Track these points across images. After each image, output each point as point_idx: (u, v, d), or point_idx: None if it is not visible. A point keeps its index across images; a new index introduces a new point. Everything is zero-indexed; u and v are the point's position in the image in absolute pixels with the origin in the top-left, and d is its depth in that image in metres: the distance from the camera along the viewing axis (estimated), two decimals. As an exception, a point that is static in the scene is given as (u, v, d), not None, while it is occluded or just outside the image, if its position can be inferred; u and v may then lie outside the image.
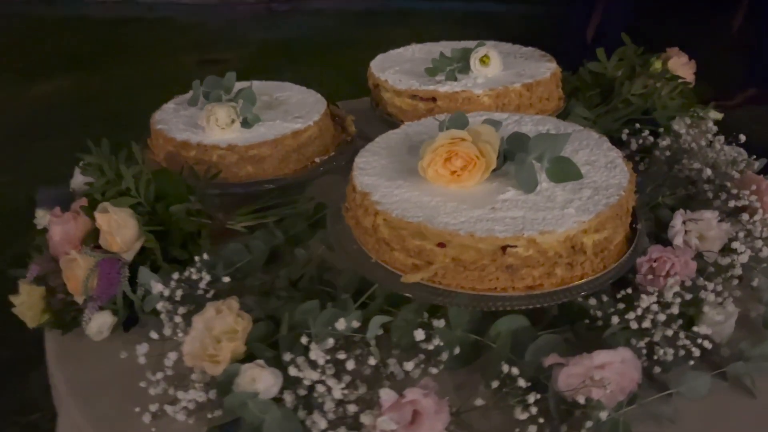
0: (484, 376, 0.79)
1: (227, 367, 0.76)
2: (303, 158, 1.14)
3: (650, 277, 0.86)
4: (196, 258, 0.89)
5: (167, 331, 0.82)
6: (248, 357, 0.80)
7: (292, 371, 0.73)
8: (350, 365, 0.72)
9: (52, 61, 4.25)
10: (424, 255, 0.79)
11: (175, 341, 0.82)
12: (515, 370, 0.72)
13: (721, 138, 1.13)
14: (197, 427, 0.77)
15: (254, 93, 1.14)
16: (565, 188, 0.83)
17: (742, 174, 1.04)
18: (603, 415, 0.70)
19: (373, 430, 0.69)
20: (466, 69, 1.22)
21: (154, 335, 0.81)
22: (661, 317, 0.79)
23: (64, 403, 0.85)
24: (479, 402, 0.73)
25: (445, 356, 0.79)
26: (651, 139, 1.18)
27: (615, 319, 0.80)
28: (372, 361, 0.76)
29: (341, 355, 0.73)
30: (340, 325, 0.75)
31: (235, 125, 1.10)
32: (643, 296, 0.80)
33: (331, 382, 0.71)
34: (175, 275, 0.86)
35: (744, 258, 0.90)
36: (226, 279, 0.88)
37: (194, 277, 0.87)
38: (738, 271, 0.90)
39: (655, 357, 0.78)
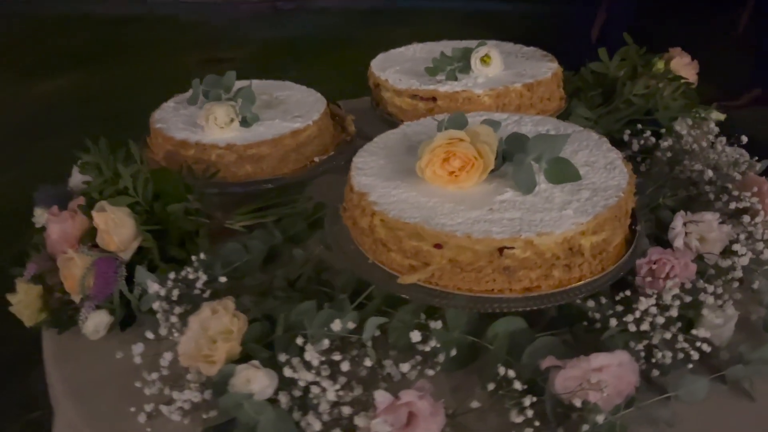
0: (481, 378, 0.79)
1: (222, 368, 0.76)
2: (302, 158, 1.14)
3: (649, 279, 0.86)
4: (193, 257, 0.89)
5: (163, 331, 0.82)
6: (244, 357, 0.79)
7: (287, 372, 0.72)
8: (345, 366, 0.72)
9: (54, 59, 4.27)
10: (421, 256, 0.78)
11: (171, 341, 0.82)
12: (511, 373, 0.72)
13: (723, 139, 1.12)
14: (192, 427, 0.77)
15: (253, 92, 1.14)
16: (564, 189, 0.82)
17: (743, 175, 1.03)
18: (600, 418, 0.69)
19: (367, 432, 0.69)
20: (466, 69, 1.22)
21: (149, 335, 0.81)
22: (660, 320, 0.78)
23: (60, 402, 0.85)
24: (475, 404, 0.72)
25: (441, 358, 0.78)
26: (653, 140, 1.18)
27: (613, 322, 0.79)
28: (368, 363, 0.75)
29: (336, 357, 0.73)
30: (336, 326, 0.74)
31: (234, 124, 1.10)
32: (642, 299, 0.79)
33: (325, 383, 0.71)
34: (171, 275, 0.85)
35: (745, 260, 0.89)
36: (223, 279, 0.87)
37: (191, 276, 0.87)
38: (738, 273, 0.89)
39: (654, 360, 0.78)
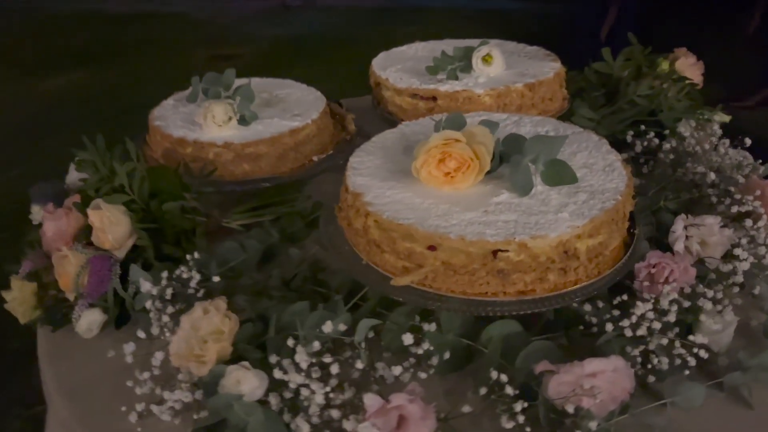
0: (475, 382, 0.78)
1: (213, 368, 0.76)
2: (301, 157, 1.13)
3: (647, 283, 0.84)
4: (188, 256, 0.89)
5: (155, 331, 0.81)
6: (237, 358, 0.79)
7: (277, 374, 0.72)
8: (335, 369, 0.71)
9: (61, 56, 4.29)
10: (414, 258, 0.77)
11: (164, 340, 0.81)
12: (504, 377, 0.71)
13: (726, 141, 1.11)
14: (183, 427, 0.76)
15: (252, 90, 1.13)
16: (561, 192, 0.81)
17: (746, 179, 1.02)
18: (593, 424, 0.68)
19: (355, 435, 0.68)
20: (468, 68, 1.20)
21: (141, 334, 0.81)
22: (657, 325, 0.77)
23: (53, 400, 0.85)
24: (467, 408, 0.71)
25: (435, 360, 0.77)
26: (656, 141, 1.16)
27: (609, 327, 0.78)
28: (360, 365, 0.75)
29: (327, 359, 0.72)
30: (327, 327, 0.74)
31: (232, 123, 1.09)
32: (639, 303, 0.78)
33: (315, 385, 0.70)
34: (164, 274, 0.85)
35: (746, 265, 0.88)
36: (216, 278, 0.87)
37: (185, 276, 0.86)
38: (739, 278, 0.87)
39: (650, 365, 0.77)
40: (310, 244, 1.01)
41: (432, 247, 0.76)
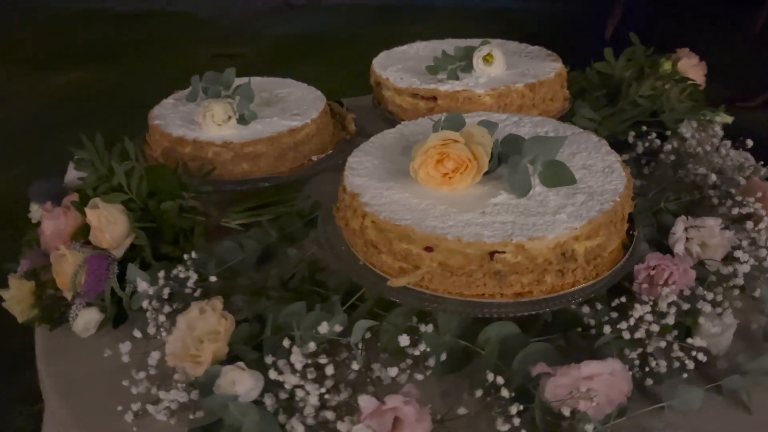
0: (472, 384, 0.77)
1: (208, 369, 0.75)
2: (300, 156, 1.13)
3: (646, 286, 0.84)
4: (185, 256, 0.89)
5: (151, 330, 0.81)
6: (233, 358, 0.79)
7: (272, 374, 0.72)
8: (329, 370, 0.71)
9: (68, 53, 4.29)
10: (411, 259, 0.77)
11: (161, 340, 0.81)
12: (500, 380, 0.70)
13: (728, 143, 1.10)
14: (179, 427, 0.76)
15: (252, 89, 1.13)
16: (559, 193, 0.80)
17: (748, 180, 1.01)
18: (589, 428, 0.68)
19: (350, 437, 0.68)
20: (468, 68, 1.20)
21: (137, 334, 0.81)
22: (655, 328, 0.77)
23: (50, 399, 0.85)
24: (462, 411, 0.71)
25: (432, 362, 0.77)
26: (658, 142, 1.16)
27: (607, 329, 0.77)
28: (355, 366, 0.74)
29: (323, 360, 0.72)
30: (323, 328, 0.73)
31: (231, 122, 1.09)
32: (637, 306, 0.78)
33: (310, 386, 0.70)
34: (161, 273, 0.85)
35: (746, 267, 0.87)
36: (213, 278, 0.87)
37: (182, 275, 0.86)
38: (740, 281, 0.87)
39: (648, 368, 0.76)
40: (308, 244, 1.01)
41: (429, 249, 0.76)
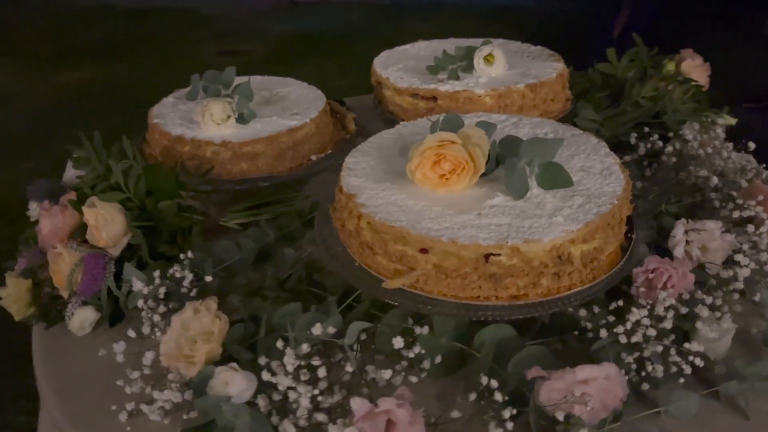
0: (467, 386, 0.77)
1: (202, 369, 0.75)
2: (299, 156, 1.12)
3: (644, 289, 0.83)
4: (182, 256, 0.88)
5: (146, 330, 0.81)
6: (228, 358, 0.79)
7: (265, 376, 0.71)
8: (322, 372, 0.71)
9: (76, 50, 4.31)
10: (406, 260, 0.76)
11: (157, 340, 0.81)
12: (494, 383, 0.70)
13: (730, 145, 1.09)
14: (172, 427, 0.76)
15: (251, 89, 1.13)
16: (556, 195, 0.80)
17: (750, 183, 1.00)
18: (583, 432, 0.67)
19: (341, 440, 0.67)
20: (469, 68, 1.19)
21: (131, 333, 0.81)
22: (652, 332, 0.76)
23: (45, 397, 0.85)
24: (456, 414, 0.71)
25: (427, 364, 0.77)
26: (660, 143, 1.15)
27: (604, 332, 0.77)
28: (349, 368, 0.74)
29: (316, 362, 0.72)
30: (317, 330, 0.73)
31: (231, 121, 1.09)
32: (634, 309, 0.77)
33: (302, 388, 0.69)
34: (156, 273, 0.85)
35: (746, 271, 0.86)
36: (209, 278, 0.86)
37: (177, 275, 0.86)
38: (740, 285, 0.86)
39: (644, 373, 0.75)
40: (306, 244, 1.01)
41: (424, 250, 0.75)
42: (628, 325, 0.76)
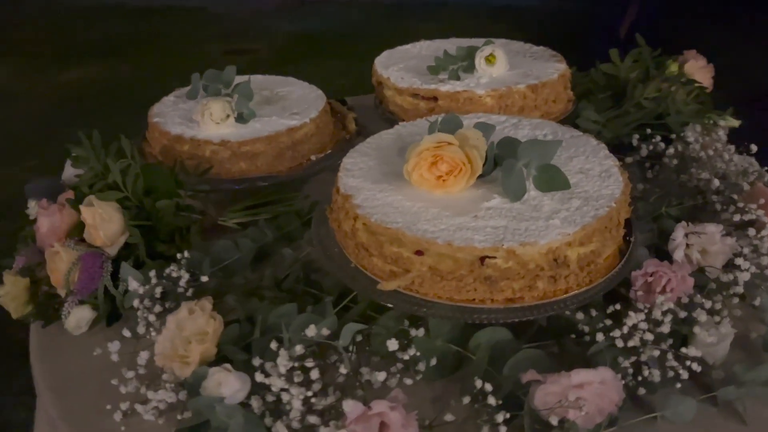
0: (463, 390, 0.77)
1: (196, 370, 0.75)
2: (298, 156, 1.12)
3: (642, 293, 0.83)
4: (179, 255, 0.88)
5: (141, 330, 0.81)
6: (223, 359, 0.78)
7: (258, 377, 0.71)
8: (315, 374, 0.70)
9: (82, 48, 4.32)
10: (402, 262, 0.76)
11: (152, 340, 0.81)
12: (488, 386, 0.69)
13: (732, 147, 1.08)
14: (167, 427, 0.76)
15: (251, 88, 1.13)
16: (554, 197, 0.79)
17: (752, 186, 0.99)
18: (577, 437, 0.67)
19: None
20: (470, 68, 1.19)
21: (126, 333, 0.81)
22: (649, 336, 0.75)
23: (41, 396, 0.85)
24: (449, 417, 0.70)
25: (422, 366, 0.76)
26: (662, 145, 1.14)
27: (600, 336, 0.76)
28: (343, 370, 0.74)
29: (309, 363, 0.71)
30: (310, 331, 0.73)
31: (230, 120, 1.08)
32: (631, 313, 0.76)
33: (295, 390, 0.69)
34: (152, 273, 0.85)
35: (746, 275, 0.85)
36: (205, 278, 0.86)
37: (174, 275, 0.86)
38: (740, 289, 0.85)
39: (641, 377, 0.75)
40: (305, 244, 1.00)
41: (419, 252, 0.75)
42: (625, 329, 0.76)
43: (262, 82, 1.24)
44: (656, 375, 0.74)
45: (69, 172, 1.06)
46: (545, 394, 0.70)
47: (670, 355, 0.75)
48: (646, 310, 0.78)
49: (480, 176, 0.81)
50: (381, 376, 0.73)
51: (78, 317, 0.87)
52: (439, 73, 1.19)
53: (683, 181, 1.06)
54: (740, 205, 0.95)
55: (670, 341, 0.77)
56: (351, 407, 0.67)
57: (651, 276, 0.84)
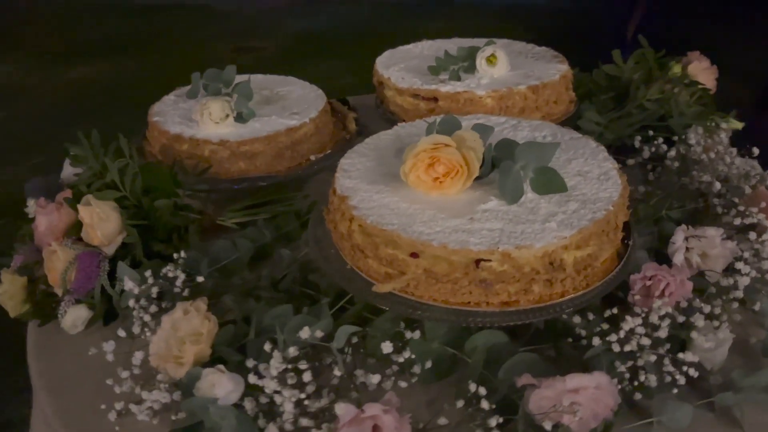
0: (458, 393, 0.76)
1: (190, 370, 0.75)
2: (297, 155, 1.12)
3: (640, 297, 0.82)
4: (175, 255, 0.88)
5: (136, 329, 0.81)
6: (217, 360, 0.78)
7: (252, 379, 0.71)
8: (307, 377, 0.70)
9: (90, 45, 4.33)
10: (397, 264, 0.76)
11: (147, 340, 0.81)
12: (482, 390, 0.69)
13: (734, 150, 1.07)
14: (161, 427, 0.76)
15: (250, 88, 1.12)
16: (551, 200, 0.78)
17: (754, 189, 0.98)
18: (572, 442, 0.66)
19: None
20: (471, 68, 1.18)
21: (121, 333, 0.81)
22: (646, 341, 0.75)
23: (38, 394, 0.85)
24: (443, 421, 0.70)
25: (418, 369, 0.76)
26: (664, 147, 1.13)
27: (596, 340, 0.76)
28: (337, 372, 0.74)
29: (303, 365, 0.71)
30: (304, 333, 0.72)
31: (229, 120, 1.08)
32: (628, 317, 0.76)
33: (287, 392, 0.69)
34: (148, 272, 0.84)
35: (746, 280, 0.84)
36: (200, 279, 0.86)
37: (170, 275, 0.86)
38: (740, 293, 0.84)
39: (637, 382, 0.74)
40: (303, 244, 1.00)
41: (414, 255, 0.74)
42: (622, 334, 0.75)
43: (262, 82, 1.24)
44: (653, 380, 0.74)
45: (68, 171, 1.06)
46: (540, 398, 0.70)
47: (667, 360, 0.75)
48: (643, 315, 0.77)
49: (477, 178, 0.81)
50: (376, 378, 0.73)
51: (74, 316, 0.87)
52: (440, 74, 1.18)
53: (685, 183, 1.05)
54: (741, 208, 0.94)
55: (668, 346, 0.76)
56: (343, 410, 0.66)
57: (650, 280, 0.83)
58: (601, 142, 0.92)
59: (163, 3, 5.06)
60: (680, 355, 0.74)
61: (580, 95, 1.27)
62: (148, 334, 0.81)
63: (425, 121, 0.93)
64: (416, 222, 0.76)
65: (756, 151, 1.05)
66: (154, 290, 0.85)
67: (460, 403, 0.70)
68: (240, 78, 1.17)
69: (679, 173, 1.08)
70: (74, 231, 0.92)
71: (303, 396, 0.71)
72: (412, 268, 0.75)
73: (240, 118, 1.10)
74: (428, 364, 0.76)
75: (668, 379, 0.74)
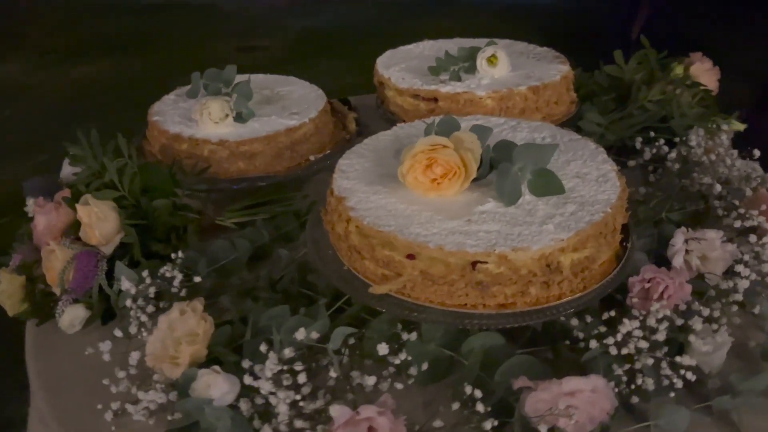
0: (455, 395, 0.76)
1: (186, 371, 0.75)
2: (297, 156, 1.12)
3: (637, 300, 0.81)
4: (173, 255, 0.88)
5: (133, 330, 0.81)
6: (214, 360, 0.78)
7: (246, 380, 0.71)
8: (302, 378, 0.70)
9: (93, 44, 4.34)
10: (393, 266, 0.75)
11: (143, 340, 0.81)
12: (478, 393, 0.69)
13: (735, 152, 1.06)
14: (156, 428, 0.76)
15: (250, 88, 1.12)
16: (549, 202, 0.78)
17: (754, 191, 0.98)
18: (567, 445, 0.66)
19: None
20: (472, 69, 1.18)
21: (118, 333, 0.81)
22: (643, 344, 0.74)
23: (35, 394, 0.85)
24: (438, 423, 0.70)
25: (414, 371, 0.76)
26: (666, 148, 1.12)
27: (594, 343, 0.75)
28: (333, 374, 0.73)
29: (298, 367, 0.71)
30: (300, 334, 0.72)
31: (228, 120, 1.08)
32: (625, 320, 0.75)
33: (282, 394, 0.69)
34: (145, 272, 0.84)
35: (746, 283, 0.84)
36: (198, 279, 0.86)
37: (168, 275, 0.86)
38: (739, 296, 0.84)
39: (634, 385, 0.74)
40: (302, 245, 1.00)
41: (411, 256, 0.74)
42: (619, 336, 0.75)
43: (263, 81, 1.24)
44: (650, 383, 0.73)
45: (67, 170, 1.06)
46: (536, 401, 0.69)
47: (664, 363, 0.74)
48: (640, 317, 0.77)
49: (475, 180, 0.81)
50: (372, 380, 0.73)
51: (72, 316, 0.87)
52: (440, 74, 1.18)
53: (685, 185, 1.05)
54: (742, 211, 0.93)
55: (666, 349, 0.76)
56: (338, 412, 0.66)
57: (648, 282, 0.83)
58: (601, 143, 0.91)
59: (165, 2, 5.07)
60: (678, 359, 0.74)
61: (582, 96, 1.27)
62: (144, 334, 0.80)
63: (424, 121, 0.93)
64: (413, 223, 0.76)
65: (757, 153, 1.04)
66: (152, 290, 0.85)
67: (455, 406, 0.70)
68: (240, 78, 1.17)
69: (680, 175, 1.07)
70: (72, 230, 0.93)
71: (298, 397, 0.70)
72: (408, 269, 0.74)
73: (239, 118, 1.10)
74: (425, 366, 0.76)
75: (666, 382, 0.74)
